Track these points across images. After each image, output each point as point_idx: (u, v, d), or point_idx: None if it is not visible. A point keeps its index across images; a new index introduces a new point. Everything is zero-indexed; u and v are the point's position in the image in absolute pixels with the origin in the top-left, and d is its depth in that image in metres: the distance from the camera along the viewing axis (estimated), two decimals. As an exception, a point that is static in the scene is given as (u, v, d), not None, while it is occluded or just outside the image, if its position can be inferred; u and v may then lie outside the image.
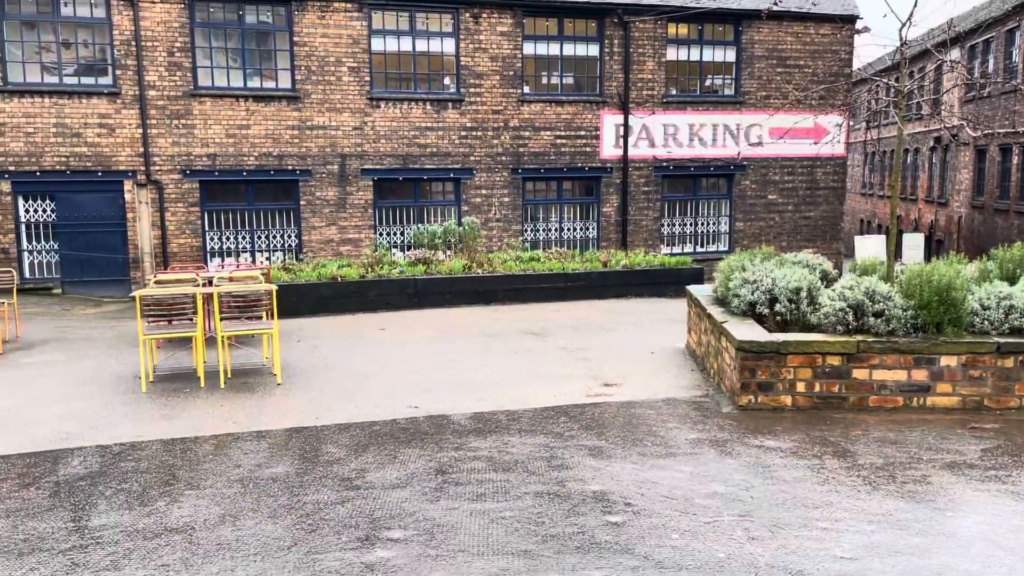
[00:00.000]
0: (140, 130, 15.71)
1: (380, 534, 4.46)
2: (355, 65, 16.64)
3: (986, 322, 6.84)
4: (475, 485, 5.19)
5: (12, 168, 15.25)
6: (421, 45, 17.18)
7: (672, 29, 18.50)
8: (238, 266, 13.72)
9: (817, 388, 6.76)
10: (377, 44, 16.88)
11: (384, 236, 17.46)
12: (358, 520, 4.66)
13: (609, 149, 18.39)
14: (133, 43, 15.48)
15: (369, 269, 14.07)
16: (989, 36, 24.91)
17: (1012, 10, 23.13)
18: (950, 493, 4.99)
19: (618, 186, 18.57)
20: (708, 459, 5.66)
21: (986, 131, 24.28)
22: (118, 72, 15.55)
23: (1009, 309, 6.80)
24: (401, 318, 12.56)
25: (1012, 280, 7.84)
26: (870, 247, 19.78)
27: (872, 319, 6.79)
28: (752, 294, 7.61)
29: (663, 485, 5.15)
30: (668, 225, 19.24)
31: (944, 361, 6.68)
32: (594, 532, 4.44)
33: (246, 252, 16.81)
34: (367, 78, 16.74)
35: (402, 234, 17.58)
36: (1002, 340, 6.66)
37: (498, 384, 8.08)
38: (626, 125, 18.31)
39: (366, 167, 16.97)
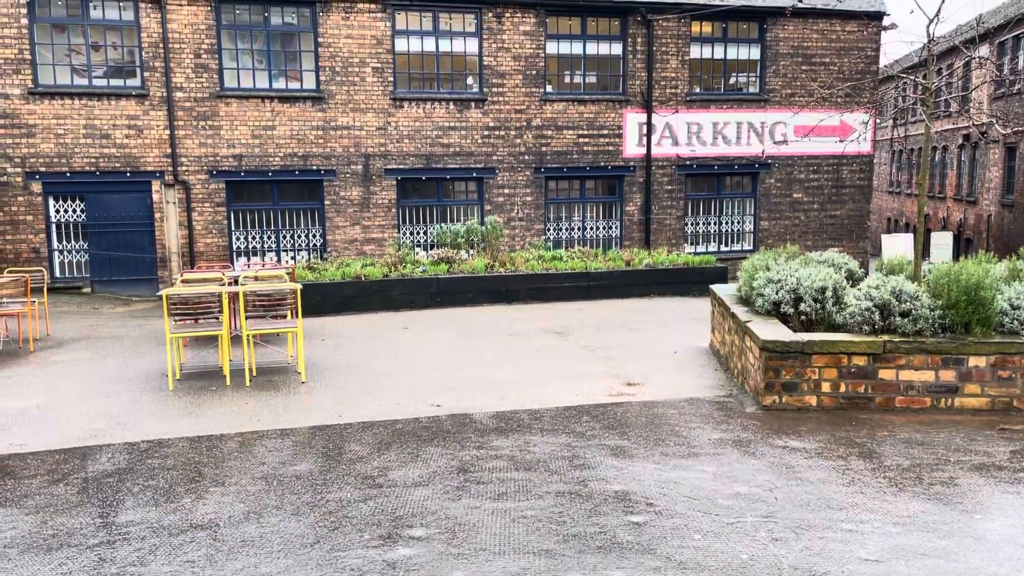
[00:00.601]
0: (168, 131, 15.90)
1: (402, 532, 4.48)
2: (379, 65, 16.72)
3: (1016, 322, 6.73)
4: (497, 484, 5.20)
5: (43, 169, 15.50)
6: (444, 45, 17.23)
7: (696, 27, 18.39)
8: (263, 265, 13.85)
9: (843, 388, 6.70)
10: (400, 44, 16.95)
11: (407, 235, 17.53)
12: (380, 518, 4.69)
13: (632, 148, 18.32)
14: (161, 45, 15.67)
15: (392, 268, 14.14)
16: (1019, 32, 24.49)
17: (1044, 5, 22.72)
18: (978, 495, 4.92)
19: (641, 185, 18.49)
20: (731, 459, 5.62)
21: (1016, 128, 23.86)
22: (146, 74, 15.75)
23: (1040, 309, 6.69)
24: (424, 317, 12.61)
25: (1043, 279, 7.71)
26: (897, 246, 19.50)
27: (899, 319, 6.71)
28: (776, 293, 7.55)
29: (685, 485, 5.13)
30: (692, 224, 19.12)
31: (972, 361, 6.58)
32: (616, 532, 4.43)
33: (271, 251, 16.96)
34: (391, 78, 16.81)
35: (425, 233, 17.63)
36: (1032, 340, 6.56)
37: (520, 383, 8.09)
38: (649, 124, 18.23)
39: (390, 167, 17.05)
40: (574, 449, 5.91)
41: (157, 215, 16.12)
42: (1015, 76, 24.22)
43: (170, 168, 16.01)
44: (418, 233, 17.66)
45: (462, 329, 11.45)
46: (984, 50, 26.10)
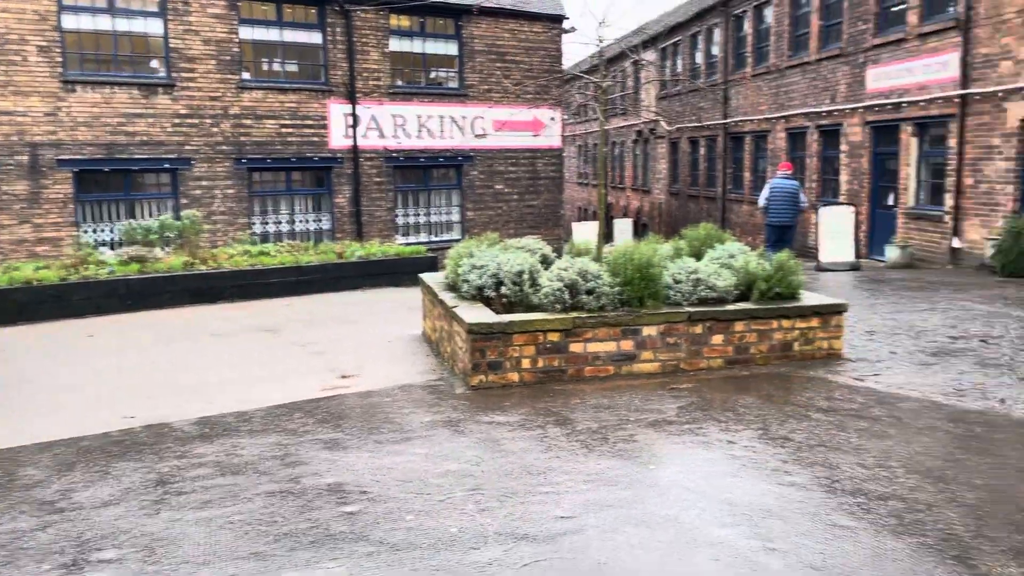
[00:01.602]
0: None
1: (90, 556, 4.07)
2: (45, 44, 14.84)
3: (679, 294, 7.69)
4: (200, 492, 4.91)
5: None
6: (122, 24, 15.73)
7: (395, 20, 18.63)
8: (-98, 274, 11.72)
9: (540, 364, 7.21)
10: (70, 21, 15.20)
11: (90, 234, 15.81)
12: (64, 544, 4.21)
13: (339, 139, 18.13)
14: None
15: (73, 270, 12.67)
16: (677, 39, 27.94)
17: (695, 16, 26.14)
18: (652, 448, 5.58)
19: (350, 176, 18.38)
20: (442, 439, 5.83)
21: (678, 125, 27.25)
22: None
23: (696, 282, 7.72)
24: (114, 322, 11.48)
25: (699, 256, 8.87)
26: (586, 232, 21.40)
27: (585, 296, 7.37)
28: (480, 279, 7.92)
29: (398, 470, 5.23)
30: (402, 215, 19.40)
31: (646, 331, 7.42)
32: (329, 524, 4.40)
33: (-87, 257, 14.41)
34: (59, 59, 15.01)
35: (112, 231, 16.03)
36: (692, 309, 7.54)
37: (227, 385, 7.69)
38: (354, 115, 18.16)
39: (63, 157, 15.24)
40: (286, 447, 5.75)
41: None
42: (674, 78, 27.59)
43: None
44: (103, 231, 16.02)
45: (159, 333, 10.61)
46: (650, 55, 29.41)
